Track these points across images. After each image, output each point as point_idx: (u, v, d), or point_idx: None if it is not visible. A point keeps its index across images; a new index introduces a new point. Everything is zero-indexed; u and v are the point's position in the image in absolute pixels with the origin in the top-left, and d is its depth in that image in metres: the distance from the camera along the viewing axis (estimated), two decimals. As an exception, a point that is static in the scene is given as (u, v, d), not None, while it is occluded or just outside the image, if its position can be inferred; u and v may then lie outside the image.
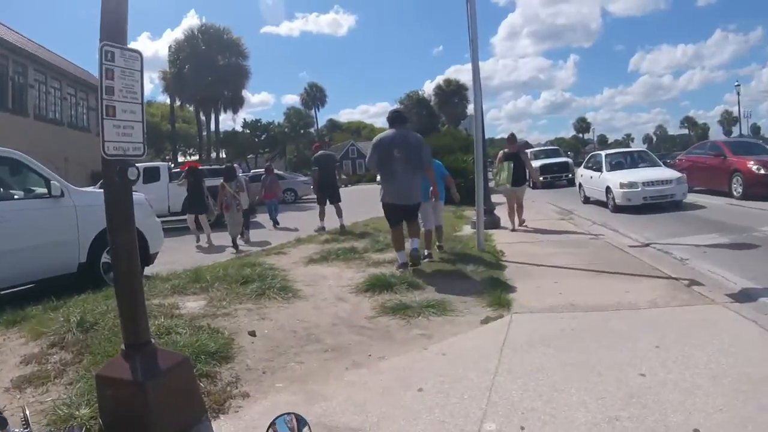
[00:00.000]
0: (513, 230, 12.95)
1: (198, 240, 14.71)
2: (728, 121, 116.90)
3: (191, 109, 67.69)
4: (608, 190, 16.78)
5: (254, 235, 15.42)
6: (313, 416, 3.50)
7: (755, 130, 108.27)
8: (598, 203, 18.04)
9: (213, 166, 25.57)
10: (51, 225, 7.83)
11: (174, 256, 11.21)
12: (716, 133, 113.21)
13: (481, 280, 7.28)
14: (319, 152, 15.10)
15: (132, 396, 3.18)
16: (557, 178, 30.85)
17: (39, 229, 7.67)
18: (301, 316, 5.82)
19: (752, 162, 17.04)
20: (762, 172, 16.53)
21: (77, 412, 3.44)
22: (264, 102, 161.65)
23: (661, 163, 19.78)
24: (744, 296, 6.29)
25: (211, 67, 59.38)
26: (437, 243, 9.68)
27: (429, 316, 5.74)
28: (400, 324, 5.59)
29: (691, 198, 17.29)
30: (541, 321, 5.57)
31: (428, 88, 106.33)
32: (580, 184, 20.60)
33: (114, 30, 3.27)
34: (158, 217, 11.17)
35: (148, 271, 8.96)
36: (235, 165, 19.73)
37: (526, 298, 6.41)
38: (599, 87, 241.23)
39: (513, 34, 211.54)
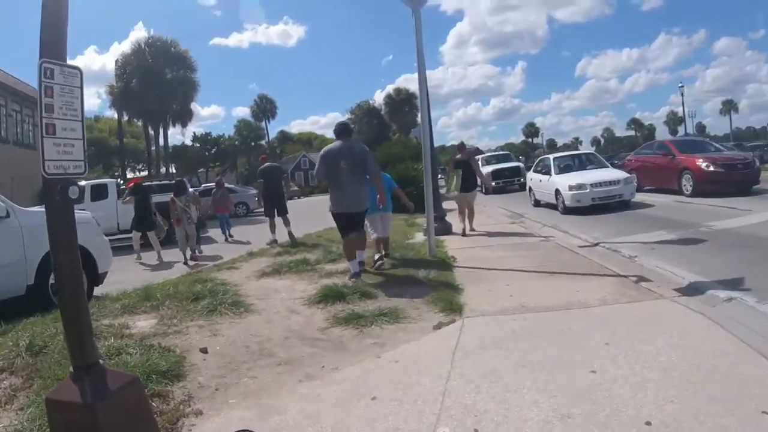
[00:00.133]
0: (464, 235, 13.07)
1: (139, 257, 14.50)
2: (674, 121, 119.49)
3: (139, 123, 66.64)
4: (557, 192, 17.08)
5: (206, 249, 15.29)
6: (267, 430, 3.51)
7: (700, 128, 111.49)
8: (549, 206, 18.29)
9: (162, 182, 25.19)
10: (-3, 247, 7.59)
11: (124, 274, 11.04)
12: (662, 134, 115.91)
13: (433, 287, 7.31)
14: (265, 164, 15.02)
15: (82, 419, 3.12)
16: (509, 182, 30.88)
17: (-16, 251, 7.44)
18: (253, 331, 5.77)
19: (701, 159, 17.37)
20: (711, 169, 16.87)
21: (29, 438, 3.38)
22: (214, 115, 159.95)
23: (609, 165, 20.16)
24: (692, 290, 6.46)
25: (158, 81, 58.55)
26: (384, 253, 9.66)
27: (382, 325, 5.75)
28: (353, 334, 5.59)
29: (640, 197, 17.67)
30: (493, 324, 5.61)
31: (379, 98, 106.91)
32: (530, 188, 20.86)
33: (53, 46, 3.22)
34: (107, 235, 10.98)
35: (97, 291, 8.83)
36: (184, 179, 19.49)
37: (477, 302, 6.46)
38: (547, 92, 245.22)
39: (461, 42, 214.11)
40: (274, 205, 14.47)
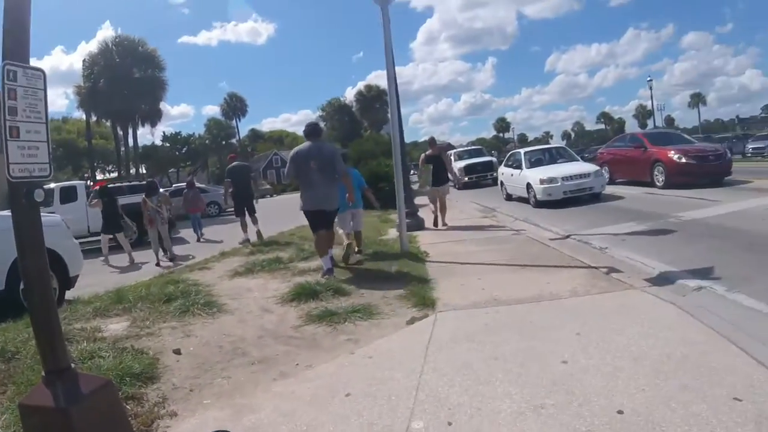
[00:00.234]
0: (436, 227, 13.39)
1: (106, 260, 14.33)
2: (643, 114, 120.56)
3: (108, 124, 65.93)
4: (529, 186, 17.15)
5: (178, 250, 15.13)
6: (242, 429, 3.51)
7: (669, 121, 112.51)
8: (521, 200, 18.37)
9: (133, 183, 24.94)
10: (-35, 252, 7.46)
11: (97, 277, 10.93)
12: (632, 127, 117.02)
13: (406, 282, 7.33)
14: (234, 163, 14.96)
15: (56, 423, 3.10)
16: (482, 177, 30.64)
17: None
18: (226, 331, 5.77)
19: (673, 151, 17.42)
20: (683, 160, 16.92)
21: (4, 444, 3.35)
22: (184, 114, 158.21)
23: (579, 158, 20.22)
24: (662, 280, 6.58)
25: (126, 80, 57.85)
26: (357, 249, 9.83)
27: (355, 321, 5.77)
28: (327, 331, 5.60)
29: (611, 189, 17.79)
30: (466, 317, 5.65)
31: (350, 95, 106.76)
32: (501, 182, 20.94)
33: (16, 48, 3.18)
34: (78, 238, 10.86)
35: (69, 294, 8.75)
36: (154, 180, 19.34)
37: (450, 297, 6.50)
38: (517, 88, 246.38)
39: (431, 38, 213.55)
40: (243, 204, 14.45)
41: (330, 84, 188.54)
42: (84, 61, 60.83)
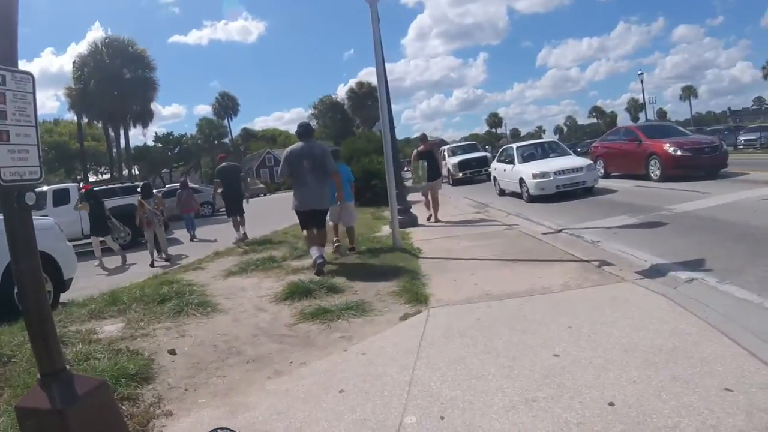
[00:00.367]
0: (429, 219, 13.75)
1: (101, 263, 14.17)
2: (635, 108, 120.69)
3: (99, 125, 65.75)
4: (521, 181, 17.17)
5: (172, 250, 15.10)
6: (238, 427, 3.51)
7: (661, 114, 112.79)
8: (514, 195, 18.41)
9: (125, 184, 24.88)
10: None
11: (90, 280, 10.96)
12: (624, 120, 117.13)
13: (399, 278, 7.35)
14: (223, 164, 15.01)
15: (52, 424, 3.11)
16: (476, 173, 30.15)
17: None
18: (221, 330, 5.77)
19: (668, 144, 17.34)
20: (679, 153, 16.83)
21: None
22: (176, 114, 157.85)
23: (571, 152, 20.22)
24: (653, 272, 6.61)
25: (117, 81, 57.69)
26: (350, 245, 10.08)
27: (349, 318, 5.80)
28: (321, 329, 5.62)
29: (604, 183, 17.89)
30: (458, 313, 5.67)
31: (342, 92, 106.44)
32: (494, 178, 20.96)
33: (5, 52, 3.19)
34: (71, 240, 10.86)
35: (64, 297, 8.74)
36: (149, 182, 19.36)
37: (443, 292, 6.54)
38: (509, 82, 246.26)
39: (423, 34, 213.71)
40: (233, 204, 14.50)
41: (322, 82, 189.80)
42: (74, 62, 60.70)
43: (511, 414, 3.32)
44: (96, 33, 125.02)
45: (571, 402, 3.36)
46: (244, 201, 14.84)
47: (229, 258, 10.81)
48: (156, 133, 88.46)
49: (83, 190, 15.45)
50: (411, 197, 15.68)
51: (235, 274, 8.87)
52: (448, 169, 30.64)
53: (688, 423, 3.00)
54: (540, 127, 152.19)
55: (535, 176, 16.37)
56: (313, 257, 8.53)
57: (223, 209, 17.13)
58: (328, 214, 9.48)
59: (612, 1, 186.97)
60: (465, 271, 7.65)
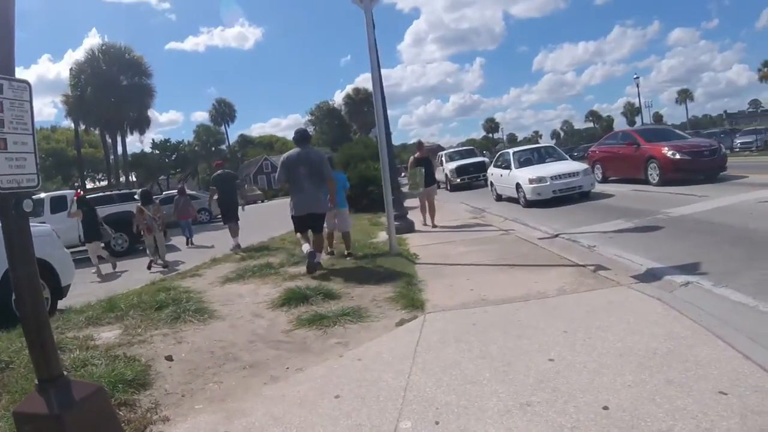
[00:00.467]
0: (425, 224, 13.94)
1: (98, 271, 14.17)
2: (631, 112, 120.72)
3: (97, 132, 65.79)
4: (518, 186, 17.19)
5: (169, 256, 15.18)
6: (234, 433, 3.53)
7: (657, 118, 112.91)
8: (511, 200, 18.41)
9: (122, 191, 24.90)
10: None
11: (88, 287, 10.97)
12: (620, 124, 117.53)
13: (395, 284, 7.36)
14: (218, 171, 15.15)
15: (50, 429, 3.13)
16: (474, 178, 29.69)
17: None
18: (218, 336, 5.78)
19: (667, 148, 17.32)
20: (677, 157, 16.83)
21: (1, 453, 3.38)
22: (173, 121, 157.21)
23: (568, 157, 20.24)
24: (649, 276, 6.65)
25: (114, 88, 57.71)
26: (347, 250, 10.19)
27: (345, 324, 5.80)
28: (317, 335, 5.63)
29: (600, 188, 17.93)
30: (454, 318, 5.68)
31: (339, 98, 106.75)
32: (491, 183, 20.93)
33: (1, 61, 3.21)
34: (69, 247, 10.86)
35: (61, 304, 8.74)
36: (148, 189, 19.45)
37: (439, 298, 6.54)
38: (506, 87, 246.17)
39: (419, 40, 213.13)
40: (229, 211, 14.59)
41: (319, 88, 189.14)
42: (71, 69, 60.64)
43: (506, 418, 3.33)
44: (93, 40, 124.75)
45: (566, 406, 3.37)
46: (240, 208, 14.96)
47: (227, 264, 10.81)
48: (153, 139, 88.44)
49: (75, 198, 15.48)
50: (407, 203, 15.74)
51: (233, 280, 8.86)
52: (446, 175, 30.81)
53: (682, 426, 3.00)
54: (537, 132, 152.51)
55: (531, 181, 16.37)
56: (305, 252, 8.95)
57: (220, 216, 17.18)
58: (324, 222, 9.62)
59: (607, 5, 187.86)
60: (461, 276, 7.67)
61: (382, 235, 12.63)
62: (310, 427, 3.58)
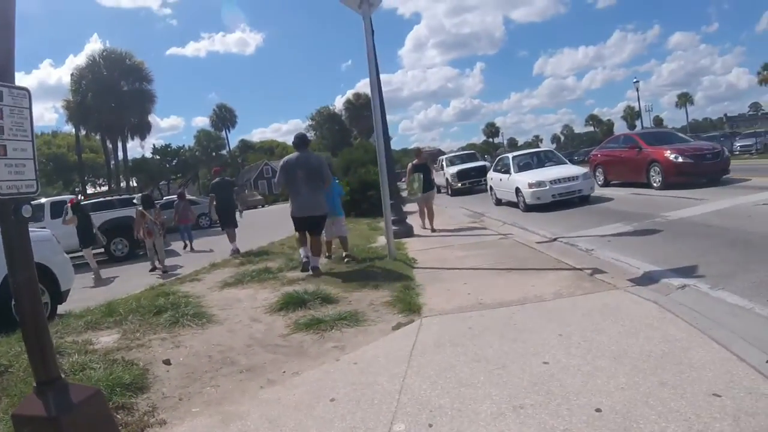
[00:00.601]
0: (424, 228, 14.12)
1: (97, 275, 14.39)
2: (631, 116, 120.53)
3: (98, 137, 65.86)
4: (518, 191, 17.20)
5: (169, 261, 15.22)
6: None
7: (658, 122, 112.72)
8: (510, 204, 18.43)
9: (123, 196, 24.93)
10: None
11: (87, 291, 11.00)
12: (621, 128, 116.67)
13: (393, 288, 7.38)
14: (217, 179, 15.35)
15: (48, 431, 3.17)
16: (476, 183, 28.89)
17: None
18: (216, 341, 5.79)
19: (669, 151, 17.12)
20: (680, 160, 16.65)
21: (0, 456, 3.40)
22: (174, 126, 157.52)
23: (567, 161, 20.23)
24: (646, 279, 6.67)
25: (114, 94, 57.84)
26: (344, 254, 10.32)
27: (342, 328, 5.83)
28: (314, 339, 5.65)
29: (600, 191, 17.89)
30: (450, 322, 5.70)
31: (339, 103, 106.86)
32: (491, 187, 20.95)
33: (1, 69, 3.24)
34: (69, 252, 10.88)
35: (61, 308, 8.75)
36: (149, 194, 19.55)
37: (436, 302, 6.56)
38: (506, 92, 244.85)
39: (420, 45, 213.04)
40: (227, 217, 14.78)
41: (319, 93, 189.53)
42: (72, 74, 60.79)
43: (499, 421, 3.35)
44: (94, 45, 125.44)
45: (559, 409, 3.39)
46: (238, 214, 15.17)
47: (226, 269, 10.82)
48: (154, 145, 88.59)
49: (69, 204, 15.53)
50: (407, 207, 15.80)
51: (231, 285, 8.87)
52: (447, 179, 30.72)
53: (674, 428, 3.02)
54: (537, 136, 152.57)
55: (531, 185, 16.39)
56: (301, 256, 9.30)
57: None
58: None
59: (608, 10, 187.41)
60: (458, 280, 7.68)
61: (381, 240, 12.63)
62: (304, 429, 3.60)
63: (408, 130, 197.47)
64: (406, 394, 3.90)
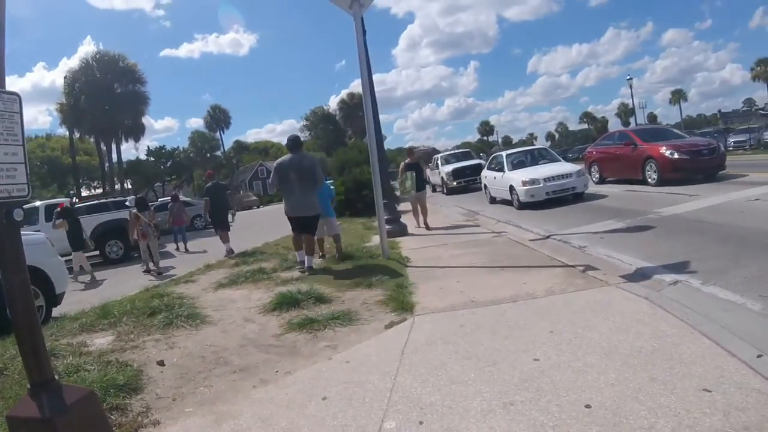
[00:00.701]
0: (418, 227, 14.24)
1: (92, 277, 14.49)
2: (625, 113, 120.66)
3: (92, 140, 65.73)
4: (512, 188, 17.21)
5: (164, 263, 15.27)
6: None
7: (652, 119, 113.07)
8: (504, 202, 18.44)
9: (117, 198, 24.91)
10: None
11: (82, 294, 11.02)
12: (615, 125, 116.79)
13: (386, 287, 7.39)
14: (210, 183, 15.52)
15: (42, 433, 3.18)
16: (471, 181, 28.14)
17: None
18: (209, 341, 5.80)
19: (665, 147, 17.10)
20: (676, 156, 16.65)
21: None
22: (168, 128, 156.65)
23: (561, 159, 20.21)
24: (638, 276, 6.70)
25: (108, 96, 57.90)
26: (338, 254, 10.42)
27: (335, 328, 5.83)
28: (307, 338, 5.65)
29: (594, 189, 17.99)
30: (442, 320, 5.72)
31: (333, 103, 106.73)
32: (485, 185, 20.98)
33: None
34: (63, 255, 10.88)
35: (56, 311, 8.76)
36: (143, 196, 19.58)
37: (428, 300, 6.57)
38: (500, 90, 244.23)
39: (413, 44, 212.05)
40: (220, 220, 14.84)
41: (313, 93, 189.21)
42: (65, 77, 60.89)
43: (489, 418, 3.36)
44: (87, 48, 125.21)
45: (548, 405, 3.41)
46: (230, 216, 15.38)
47: (220, 270, 10.82)
48: (148, 146, 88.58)
49: (59, 209, 15.55)
50: (401, 206, 15.82)
51: (226, 286, 8.88)
52: (442, 178, 30.63)
53: (664, 423, 3.04)
54: (532, 134, 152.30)
55: (525, 183, 16.40)
56: (298, 259, 9.72)
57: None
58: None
59: (601, 7, 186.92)
60: (451, 278, 7.70)
61: (376, 239, 12.61)
62: (296, 428, 3.62)
63: (403, 129, 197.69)
64: (397, 392, 3.92)
